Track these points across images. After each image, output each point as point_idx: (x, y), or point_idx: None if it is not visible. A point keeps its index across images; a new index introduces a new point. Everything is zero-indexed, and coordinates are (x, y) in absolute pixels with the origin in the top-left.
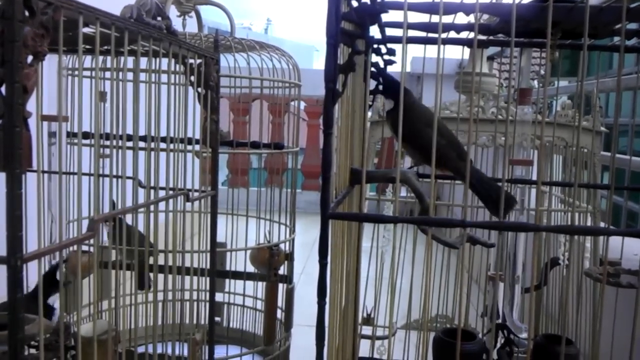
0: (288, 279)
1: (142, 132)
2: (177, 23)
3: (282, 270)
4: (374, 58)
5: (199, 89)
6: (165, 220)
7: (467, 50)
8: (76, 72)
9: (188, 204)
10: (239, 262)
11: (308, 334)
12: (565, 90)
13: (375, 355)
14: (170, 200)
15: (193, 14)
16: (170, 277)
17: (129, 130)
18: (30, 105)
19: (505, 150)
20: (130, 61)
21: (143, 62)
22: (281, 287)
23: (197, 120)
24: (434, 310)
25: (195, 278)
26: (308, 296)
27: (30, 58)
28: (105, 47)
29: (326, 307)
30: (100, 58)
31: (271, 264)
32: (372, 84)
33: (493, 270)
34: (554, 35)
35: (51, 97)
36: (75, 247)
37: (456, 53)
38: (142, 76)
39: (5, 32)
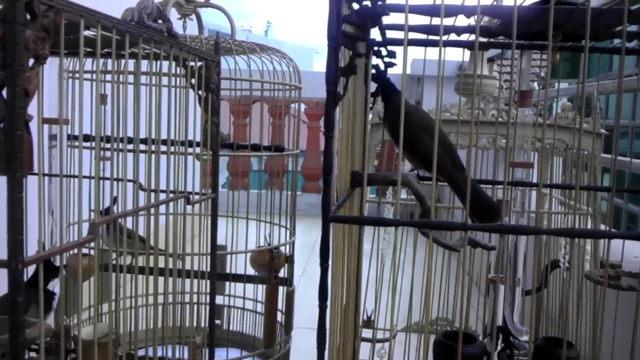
0: (288, 281)
1: (142, 134)
2: (177, 25)
3: (283, 273)
4: (375, 60)
5: (200, 92)
6: (165, 223)
7: (467, 52)
8: (77, 75)
9: (188, 207)
10: (239, 264)
11: (308, 337)
12: (565, 92)
13: (376, 358)
14: (171, 203)
15: (193, 16)
16: (170, 279)
17: (130, 133)
18: (32, 108)
19: (506, 152)
20: (131, 64)
21: (144, 64)
22: (281, 290)
23: (198, 122)
24: (435, 312)
25: (195, 281)
26: (308, 299)
27: (31, 61)
28: (106, 50)
29: (327, 311)
30: (101, 61)
31: (271, 266)
32: (373, 86)
33: (493, 273)
34: (555, 37)
35: (52, 99)
36: (75, 250)
37: (456, 55)
38: (143, 79)
39: (6, 35)
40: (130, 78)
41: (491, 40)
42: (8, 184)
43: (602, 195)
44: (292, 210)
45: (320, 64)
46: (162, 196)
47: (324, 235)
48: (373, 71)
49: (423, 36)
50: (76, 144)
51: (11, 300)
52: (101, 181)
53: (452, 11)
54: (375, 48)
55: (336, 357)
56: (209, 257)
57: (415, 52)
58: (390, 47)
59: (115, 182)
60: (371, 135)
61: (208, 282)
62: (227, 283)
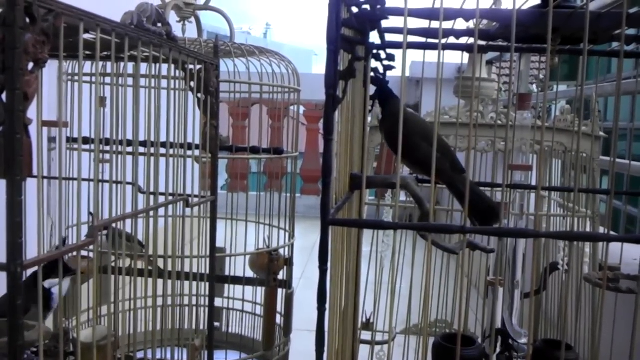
0: (287, 283)
1: (142, 137)
2: (177, 28)
3: (282, 275)
4: (374, 63)
5: (199, 95)
6: (164, 226)
7: (466, 55)
8: (76, 78)
9: (187, 209)
10: (239, 267)
11: (307, 339)
12: (564, 94)
13: None
14: (170, 206)
15: (193, 19)
16: (169, 282)
17: (129, 136)
18: (31, 112)
19: (504, 155)
20: (130, 67)
21: (143, 67)
22: (280, 292)
23: (197, 125)
24: (434, 315)
25: (194, 283)
26: (307, 301)
27: (31, 65)
28: (106, 53)
29: (326, 313)
30: (100, 63)
31: (270, 269)
32: (372, 89)
33: (492, 276)
34: (554, 41)
35: (51, 102)
36: (75, 253)
37: (455, 58)
38: (142, 81)
39: (6, 38)
40: (130, 81)
41: (490, 43)
42: (7, 187)
43: (601, 197)
44: (291, 213)
45: (319, 66)
46: (162, 199)
47: (322, 238)
48: (372, 74)
49: (422, 39)
50: (75, 146)
51: (10, 303)
52: (100, 184)
53: (451, 15)
54: (375, 51)
55: (335, 359)
56: (208, 260)
57: (415, 55)
58: (389, 50)
59: (114, 185)
60: (370, 137)
61: (207, 284)
62: (226, 285)
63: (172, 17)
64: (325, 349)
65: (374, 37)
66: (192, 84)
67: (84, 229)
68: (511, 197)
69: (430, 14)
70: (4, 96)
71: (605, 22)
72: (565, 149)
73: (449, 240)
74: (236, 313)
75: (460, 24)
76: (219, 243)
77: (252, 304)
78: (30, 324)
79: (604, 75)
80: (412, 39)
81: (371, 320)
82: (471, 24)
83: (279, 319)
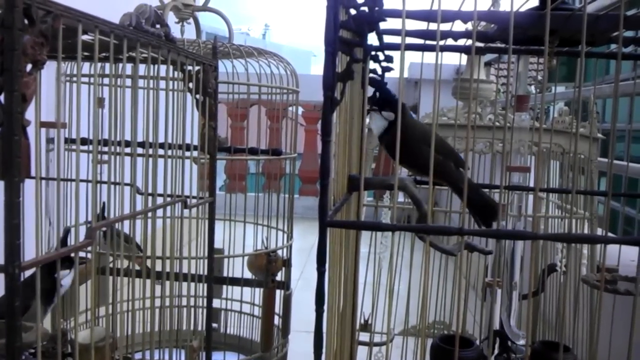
0: (285, 285)
1: (140, 138)
2: (175, 29)
3: (280, 276)
4: (372, 65)
5: (197, 96)
6: (162, 227)
7: (464, 56)
8: (74, 79)
9: (185, 210)
10: (237, 268)
11: (306, 340)
12: (562, 96)
13: None
14: (168, 207)
15: (191, 20)
16: (167, 283)
17: (127, 137)
18: (29, 113)
19: (503, 157)
20: (128, 68)
21: (141, 68)
22: (278, 293)
23: (195, 126)
24: (432, 316)
25: (192, 284)
26: (305, 302)
27: (29, 66)
28: (104, 54)
29: (324, 314)
30: (99, 64)
31: (269, 270)
32: (370, 90)
33: (490, 277)
34: (552, 42)
35: (49, 103)
36: (73, 254)
37: (453, 59)
38: (141, 82)
39: (4, 40)
40: (128, 82)
41: (488, 45)
42: (5, 189)
43: (599, 198)
44: (290, 214)
45: (317, 67)
46: (160, 200)
47: (320, 240)
48: (373, 76)
49: (420, 41)
50: (74, 147)
51: (8, 305)
52: (98, 185)
53: (449, 16)
54: (373, 53)
55: None
56: (206, 261)
57: (413, 56)
58: (387, 52)
59: (112, 186)
60: (368, 139)
61: (205, 285)
62: (225, 286)
63: (171, 18)
64: (324, 350)
65: (372, 38)
66: (190, 85)
67: (82, 230)
68: (509, 199)
69: (428, 15)
70: (2, 98)
71: (603, 24)
72: (563, 151)
73: (447, 242)
74: (234, 314)
75: (459, 26)
76: (217, 244)
77: (250, 305)
78: (28, 325)
79: (602, 76)
80: (410, 40)
81: (369, 322)
82: (469, 26)
83: (277, 320)
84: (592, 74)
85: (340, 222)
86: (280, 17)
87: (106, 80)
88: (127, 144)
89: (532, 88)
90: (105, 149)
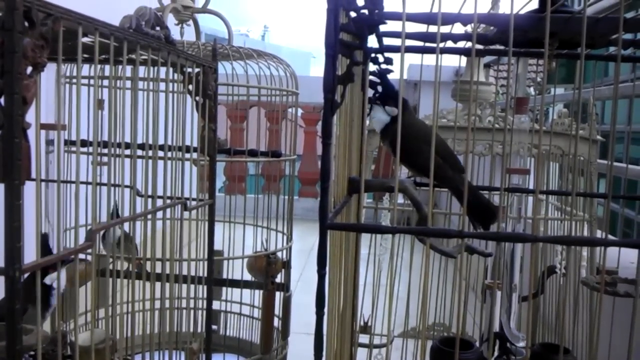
0: (285, 286)
1: (140, 140)
2: (175, 31)
3: (279, 278)
4: (372, 67)
5: (197, 98)
6: (162, 229)
7: (464, 58)
8: (74, 80)
9: (185, 212)
10: (236, 270)
11: (305, 342)
12: (561, 97)
13: None
14: (168, 209)
15: (191, 22)
16: (167, 285)
17: (127, 139)
18: (29, 114)
19: (502, 158)
20: (128, 70)
21: (141, 70)
22: (278, 295)
23: (195, 128)
24: (431, 318)
25: (192, 286)
26: (305, 304)
27: (29, 69)
28: (104, 56)
29: (324, 317)
30: (99, 66)
31: (268, 272)
32: (370, 93)
33: (490, 279)
34: (551, 45)
35: (49, 105)
36: (72, 256)
37: (453, 60)
38: (140, 84)
39: (5, 43)
40: (128, 84)
41: (488, 47)
42: (6, 191)
43: (599, 200)
44: (289, 215)
45: (317, 69)
46: (159, 202)
47: (321, 243)
48: (373, 78)
49: (420, 43)
50: (73, 149)
51: (9, 308)
52: (98, 187)
53: (449, 19)
54: (372, 55)
55: None
56: (205, 263)
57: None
58: (387, 54)
59: (112, 188)
60: (368, 141)
61: (205, 287)
62: (224, 288)
63: (170, 20)
64: (324, 352)
65: (372, 40)
66: (190, 87)
67: (82, 232)
68: (509, 201)
69: (428, 18)
70: (2, 100)
71: (603, 27)
72: (563, 153)
73: (447, 244)
74: (234, 316)
75: (458, 28)
76: (217, 246)
77: (250, 307)
78: (28, 327)
79: (601, 78)
80: (410, 42)
81: (369, 324)
82: (469, 28)
83: (276, 322)
84: (592, 76)
85: (340, 224)
86: (279, 18)
87: (106, 82)
88: (127, 145)
89: (532, 90)
90: (105, 150)
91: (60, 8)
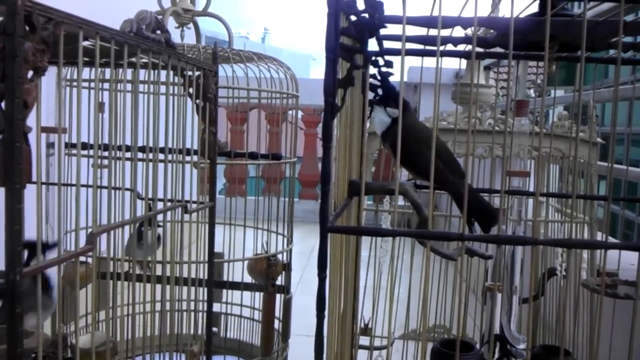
0: (285, 289)
1: (140, 143)
2: (175, 34)
3: (280, 281)
4: (373, 70)
5: (197, 101)
6: (162, 231)
7: (464, 60)
8: (75, 83)
9: (186, 215)
10: (237, 272)
11: (306, 344)
12: (561, 100)
13: None
14: (168, 212)
15: (191, 25)
16: (168, 287)
17: (128, 141)
18: (30, 118)
19: (502, 161)
20: (129, 73)
21: (142, 73)
22: (279, 297)
23: (195, 131)
24: (432, 320)
25: (192, 288)
26: (306, 306)
27: (30, 73)
28: (105, 60)
29: (324, 320)
30: (100, 69)
31: (269, 274)
32: (371, 95)
33: (491, 281)
34: (551, 48)
35: (50, 108)
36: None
37: (453, 63)
38: (141, 87)
39: (6, 47)
40: (128, 87)
41: (488, 50)
42: (6, 195)
43: (599, 202)
44: (290, 218)
45: (317, 71)
46: (160, 205)
47: (321, 246)
48: (374, 81)
49: (420, 46)
50: (74, 152)
51: (9, 311)
52: (99, 190)
53: (449, 22)
54: (373, 58)
55: None
56: (206, 265)
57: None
58: (387, 57)
59: (113, 191)
60: (369, 144)
61: (205, 289)
62: (225, 291)
63: (171, 23)
64: (324, 354)
65: (372, 43)
66: (190, 90)
67: (82, 235)
68: (509, 203)
69: (428, 21)
70: (3, 104)
71: (603, 30)
72: (563, 155)
73: (447, 247)
74: (234, 318)
75: (458, 31)
76: (217, 248)
77: (251, 309)
78: (29, 330)
79: (601, 80)
80: (410, 45)
81: (370, 326)
82: (469, 31)
83: (277, 324)
84: (592, 78)
85: (341, 227)
86: (279, 21)
87: (107, 86)
88: (128, 148)
89: (532, 92)
90: (106, 153)
91: (61, 12)
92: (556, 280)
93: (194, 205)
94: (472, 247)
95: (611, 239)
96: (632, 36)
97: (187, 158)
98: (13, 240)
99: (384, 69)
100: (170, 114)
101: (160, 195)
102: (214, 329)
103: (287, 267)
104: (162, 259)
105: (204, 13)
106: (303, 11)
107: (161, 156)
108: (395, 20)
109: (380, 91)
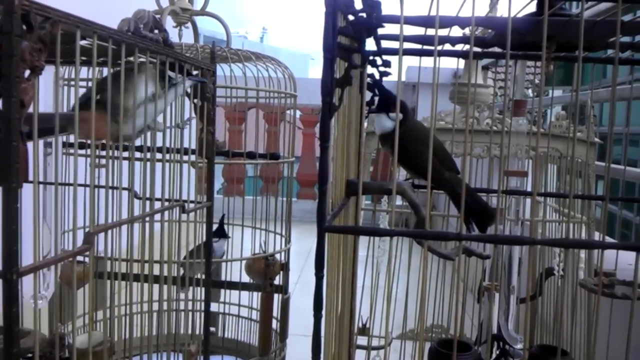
0: (283, 289)
1: (138, 142)
2: (173, 34)
3: (278, 280)
4: (370, 70)
5: (195, 101)
6: (160, 231)
7: (462, 60)
8: (72, 83)
9: (183, 215)
10: (235, 272)
11: (304, 344)
12: (559, 100)
13: None
14: (166, 211)
15: (189, 24)
16: (165, 287)
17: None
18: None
19: (500, 161)
20: None
21: None
22: (276, 297)
23: (193, 130)
24: (430, 320)
25: (190, 288)
26: (303, 306)
27: (27, 72)
28: (102, 59)
29: (322, 320)
30: (97, 68)
31: (267, 274)
32: (368, 95)
33: (488, 281)
34: (549, 48)
35: (47, 107)
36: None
37: (451, 63)
38: None
39: (3, 46)
40: None
41: (485, 50)
42: (3, 194)
43: (597, 202)
44: (288, 217)
45: (315, 71)
46: (158, 204)
47: (319, 246)
48: (369, 81)
49: (418, 46)
50: (71, 151)
51: (6, 311)
52: (96, 189)
53: (446, 22)
54: (371, 57)
55: None
56: (203, 265)
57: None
58: (385, 57)
59: (110, 190)
60: (367, 143)
61: (203, 289)
62: (222, 290)
63: (169, 22)
64: (322, 354)
65: (370, 43)
66: (188, 90)
67: (79, 234)
68: (507, 203)
69: (426, 21)
70: (0, 104)
71: (600, 30)
72: (561, 155)
73: (444, 246)
74: (232, 318)
75: (456, 31)
76: None
77: (248, 309)
78: (26, 330)
79: (599, 80)
80: (408, 45)
81: (367, 326)
82: (467, 31)
83: (275, 324)
84: (589, 78)
85: (338, 227)
86: (278, 20)
87: None
88: (125, 148)
89: (529, 92)
90: (103, 153)
91: (58, 11)
92: (554, 280)
93: (192, 205)
94: (469, 246)
95: (609, 239)
96: (629, 36)
97: (185, 157)
98: (10, 239)
99: (381, 69)
100: (168, 113)
101: (158, 194)
102: (212, 329)
103: (285, 267)
104: (159, 258)
105: (202, 12)
106: (301, 11)
107: (159, 155)
108: (393, 19)
109: (377, 91)
